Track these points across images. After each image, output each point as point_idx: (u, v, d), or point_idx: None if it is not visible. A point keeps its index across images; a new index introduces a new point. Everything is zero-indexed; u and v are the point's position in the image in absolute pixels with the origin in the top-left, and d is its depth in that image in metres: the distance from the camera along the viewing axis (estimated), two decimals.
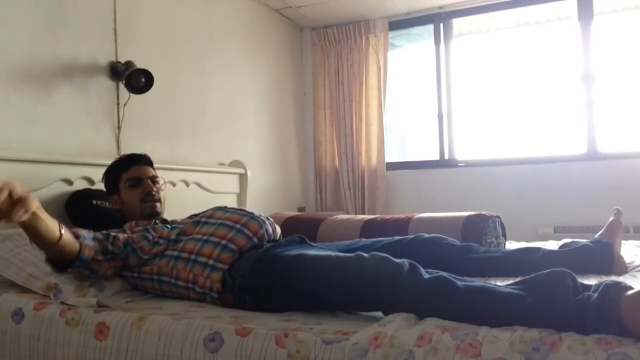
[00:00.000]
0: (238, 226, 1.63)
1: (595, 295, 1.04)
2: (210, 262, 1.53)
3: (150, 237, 1.65)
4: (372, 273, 1.27)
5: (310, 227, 2.58)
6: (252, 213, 1.72)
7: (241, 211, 1.72)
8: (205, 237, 1.59)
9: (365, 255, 1.34)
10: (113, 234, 1.58)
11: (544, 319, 1.04)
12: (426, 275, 1.23)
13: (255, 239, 1.62)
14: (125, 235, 1.62)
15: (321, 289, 1.34)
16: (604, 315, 1.00)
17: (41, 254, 1.47)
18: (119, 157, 1.95)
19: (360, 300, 1.30)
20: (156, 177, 1.89)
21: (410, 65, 4.16)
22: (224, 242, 1.57)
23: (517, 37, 3.87)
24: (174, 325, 1.22)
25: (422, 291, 1.19)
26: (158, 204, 1.84)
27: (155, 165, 1.95)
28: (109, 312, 1.33)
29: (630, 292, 1.01)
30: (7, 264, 1.58)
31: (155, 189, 1.85)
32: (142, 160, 1.89)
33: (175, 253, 1.58)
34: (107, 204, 1.98)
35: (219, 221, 1.65)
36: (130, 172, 1.84)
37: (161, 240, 1.65)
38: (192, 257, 1.55)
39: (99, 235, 1.53)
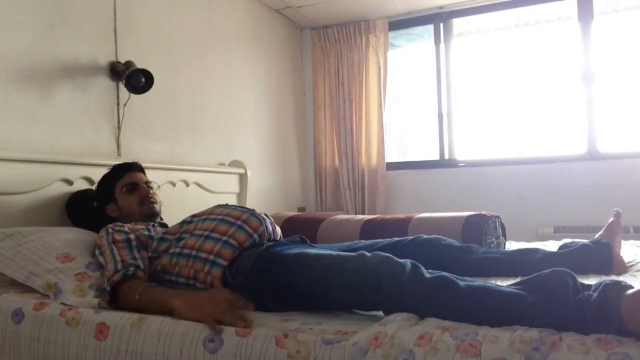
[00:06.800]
0: (239, 222, 1.63)
1: (596, 294, 1.05)
2: (211, 257, 1.53)
3: (155, 235, 1.68)
4: (374, 273, 1.27)
5: (310, 227, 2.57)
6: (252, 210, 1.73)
7: (242, 208, 1.73)
8: (206, 233, 1.60)
9: (368, 254, 1.33)
10: (134, 244, 1.60)
11: (544, 318, 1.04)
12: (428, 275, 1.23)
13: (255, 236, 1.63)
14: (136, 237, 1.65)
15: (322, 288, 1.34)
16: (604, 314, 1.00)
17: (41, 252, 1.52)
18: (110, 168, 1.99)
19: (362, 300, 1.30)
20: (149, 182, 1.99)
21: (410, 65, 4.16)
22: (225, 238, 1.58)
23: (517, 37, 3.86)
24: (174, 325, 1.21)
25: (425, 291, 1.19)
26: (156, 205, 1.93)
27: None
28: (109, 312, 1.33)
29: (630, 291, 1.01)
30: (7, 262, 1.58)
31: (151, 193, 1.94)
32: (135, 167, 1.99)
33: (178, 250, 1.59)
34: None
35: (220, 217, 1.66)
36: (126, 178, 1.93)
37: (166, 236, 1.67)
38: (194, 252, 1.56)
39: (143, 253, 1.59)
